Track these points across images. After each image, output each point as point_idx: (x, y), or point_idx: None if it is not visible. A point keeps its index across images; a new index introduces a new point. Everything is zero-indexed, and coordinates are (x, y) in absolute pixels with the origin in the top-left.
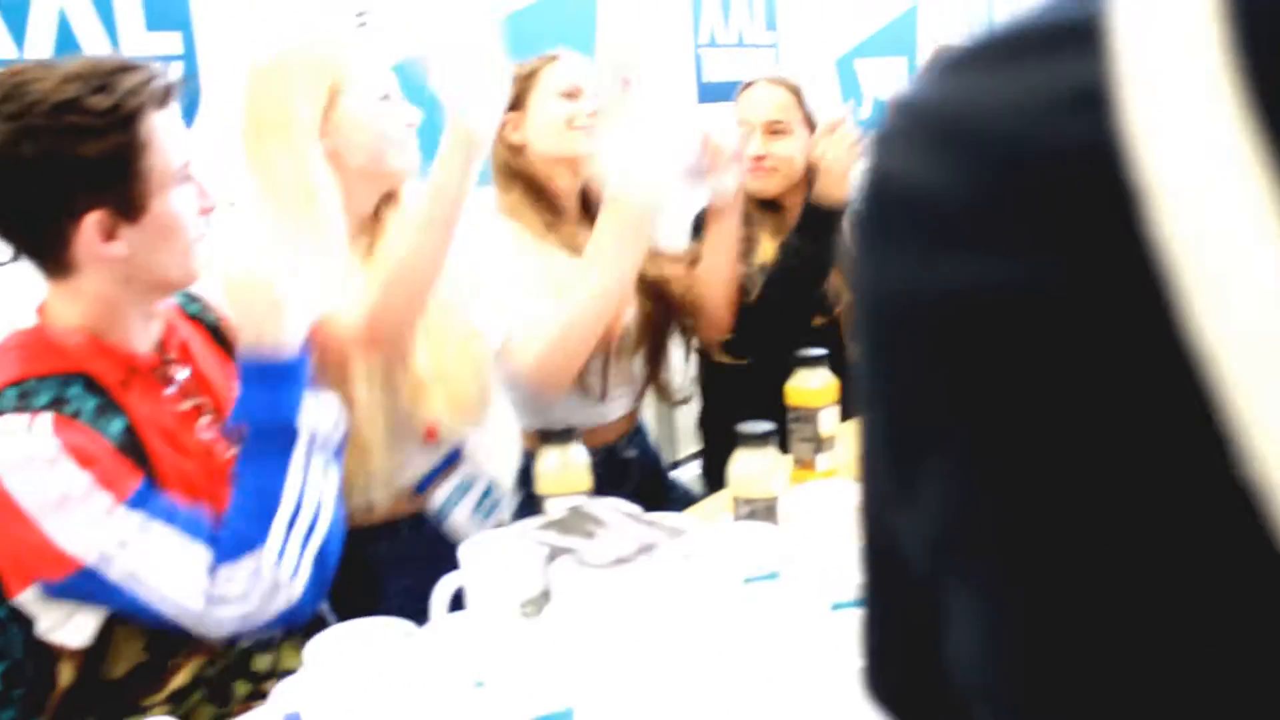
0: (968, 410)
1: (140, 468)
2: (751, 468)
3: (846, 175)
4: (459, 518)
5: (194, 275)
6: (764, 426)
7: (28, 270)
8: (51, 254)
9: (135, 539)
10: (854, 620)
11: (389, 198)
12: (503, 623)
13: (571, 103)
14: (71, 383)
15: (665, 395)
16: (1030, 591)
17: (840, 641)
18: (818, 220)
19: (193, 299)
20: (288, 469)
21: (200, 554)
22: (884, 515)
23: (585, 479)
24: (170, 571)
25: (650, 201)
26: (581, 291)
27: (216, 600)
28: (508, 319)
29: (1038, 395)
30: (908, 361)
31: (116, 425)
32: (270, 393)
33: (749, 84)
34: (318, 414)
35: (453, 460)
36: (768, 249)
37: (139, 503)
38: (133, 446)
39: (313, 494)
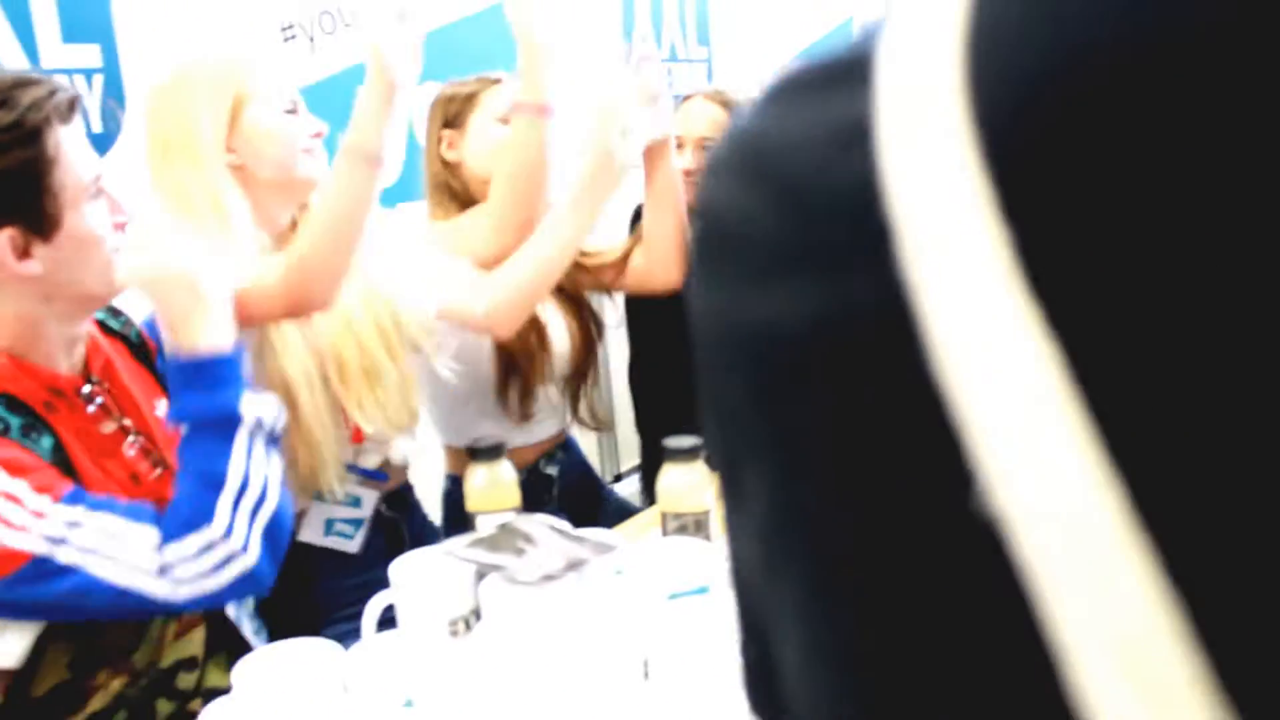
0: (778, 438)
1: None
2: (680, 482)
3: None
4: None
5: (115, 289)
6: (691, 441)
7: None
8: None
9: (80, 527)
10: None
11: (303, 209)
12: (432, 641)
13: (508, 128)
14: None
15: (591, 422)
16: (831, 611)
17: None
18: None
19: (115, 313)
20: (230, 451)
21: (147, 532)
22: (731, 531)
23: (514, 495)
24: (120, 549)
25: (625, 159)
26: (551, 238)
27: (170, 574)
28: (442, 287)
29: (826, 425)
30: (730, 385)
31: (46, 442)
32: (206, 392)
33: (687, 98)
34: (257, 404)
35: (379, 477)
36: None
37: (76, 498)
38: (63, 463)
39: (258, 472)
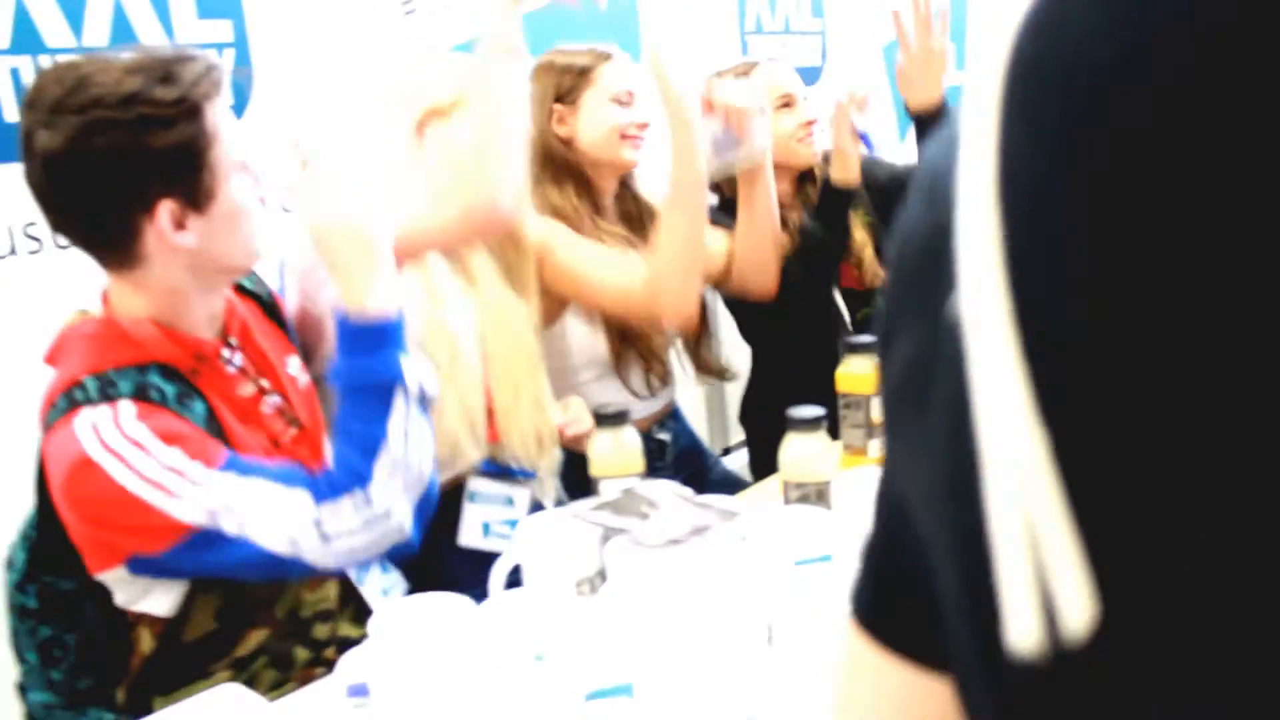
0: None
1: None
2: (803, 452)
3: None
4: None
5: (256, 259)
6: (815, 411)
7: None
8: (120, 246)
9: (237, 495)
10: None
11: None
12: (560, 599)
13: (623, 110)
14: (149, 371)
15: (716, 374)
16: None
17: None
18: (835, 202)
19: (248, 272)
20: (389, 416)
21: (301, 496)
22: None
23: (638, 461)
24: (276, 515)
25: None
26: (686, 217)
27: (327, 536)
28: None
29: None
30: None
31: (199, 408)
32: (370, 356)
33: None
34: (417, 369)
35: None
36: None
37: (231, 466)
38: (215, 429)
39: (413, 437)
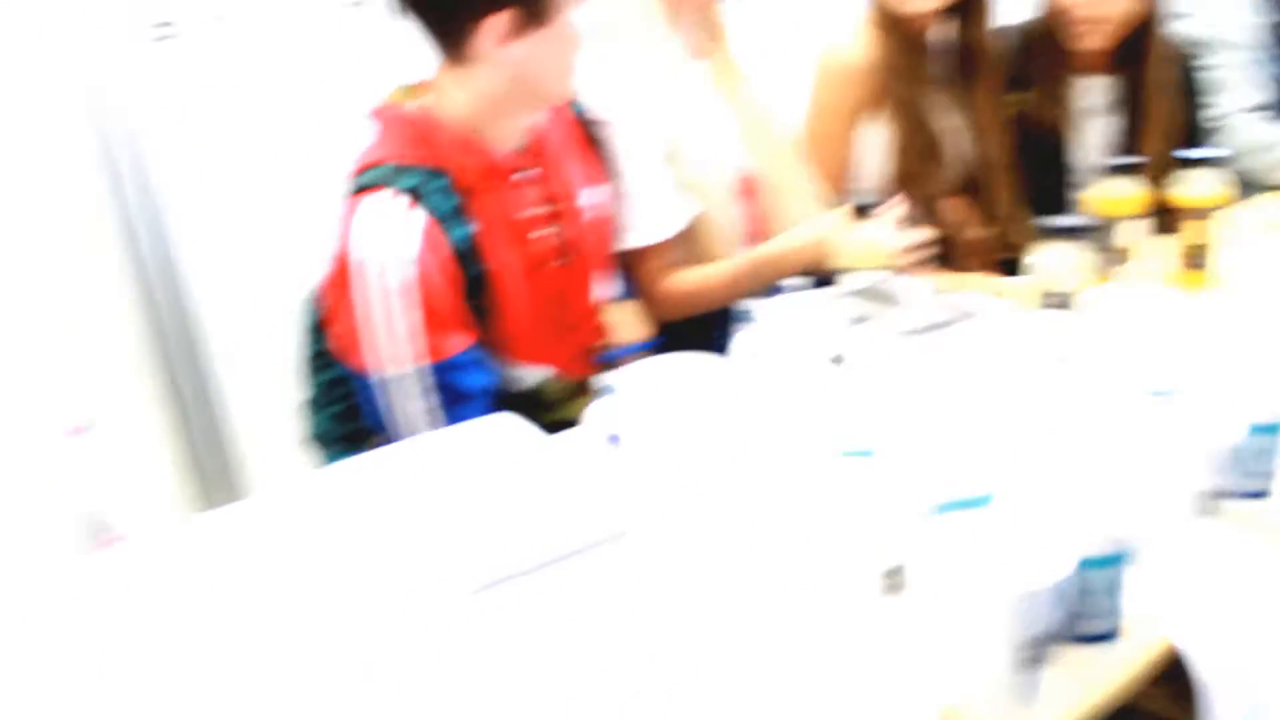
0: None
1: (469, 311)
2: (1057, 261)
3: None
4: None
5: (569, 95)
6: (1076, 220)
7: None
8: (456, 40)
9: (414, 395)
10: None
11: None
12: (807, 367)
13: None
14: (435, 178)
15: None
16: None
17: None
18: None
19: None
20: None
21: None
22: None
23: (887, 255)
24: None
25: None
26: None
27: None
28: None
29: None
30: None
31: (461, 231)
32: None
33: None
34: None
35: None
36: None
37: (437, 372)
38: (471, 252)
39: None
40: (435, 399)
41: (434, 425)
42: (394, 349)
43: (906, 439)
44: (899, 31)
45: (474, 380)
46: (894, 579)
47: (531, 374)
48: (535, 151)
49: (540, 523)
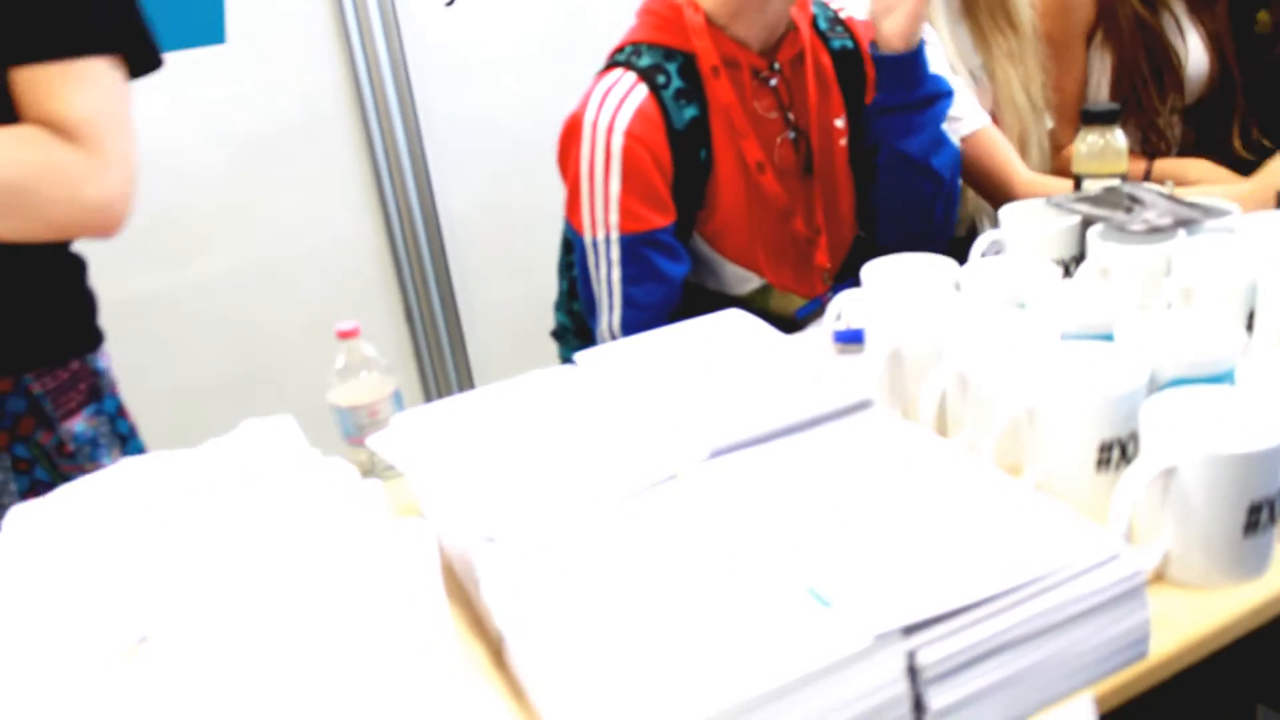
0: None
1: (684, 194)
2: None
3: None
4: None
5: None
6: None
7: None
8: None
9: (607, 261)
10: None
11: None
12: (1040, 266)
13: None
14: (674, 58)
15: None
16: None
17: None
18: None
19: (834, 21)
20: None
21: (612, 321)
22: None
23: (1123, 162)
24: (598, 316)
25: None
26: None
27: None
28: None
29: None
30: None
31: (689, 112)
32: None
33: None
34: None
35: None
36: None
37: (633, 243)
38: (694, 135)
39: None
40: (628, 270)
41: (625, 295)
42: (598, 212)
43: (1146, 321)
44: None
45: (666, 260)
46: (1109, 452)
47: (741, 276)
48: (787, 59)
49: (785, 392)
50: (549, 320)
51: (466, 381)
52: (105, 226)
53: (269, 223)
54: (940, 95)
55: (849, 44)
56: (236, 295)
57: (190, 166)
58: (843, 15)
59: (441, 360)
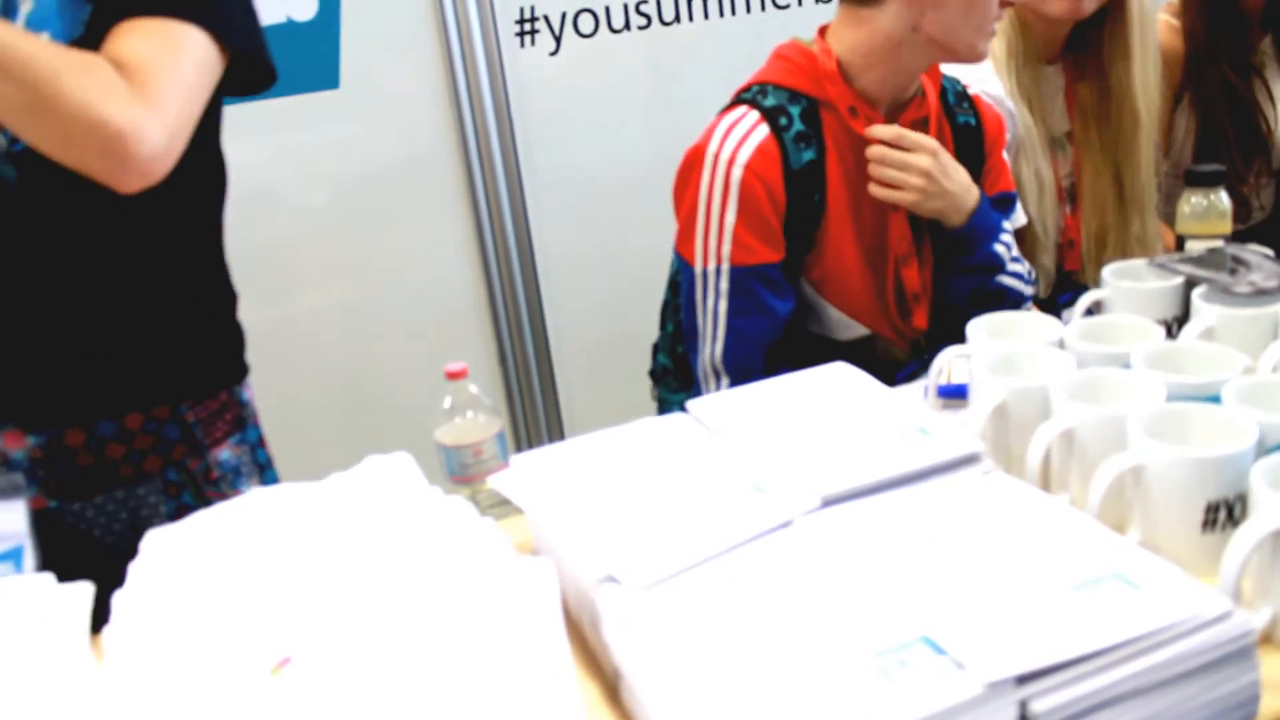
0: None
1: (796, 235)
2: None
3: None
4: None
5: (978, 56)
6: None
7: None
8: None
9: (714, 296)
10: None
11: None
12: (1144, 325)
13: None
14: (798, 101)
15: None
16: None
17: None
18: None
19: (962, 96)
20: None
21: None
22: None
23: (1227, 223)
24: (701, 343)
25: None
26: None
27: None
28: None
29: None
30: None
31: (806, 155)
32: None
33: None
34: None
35: None
36: None
37: (741, 277)
38: (812, 175)
39: None
40: (735, 302)
41: (729, 325)
42: (711, 243)
43: (1254, 382)
44: (1221, 10)
45: (772, 295)
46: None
47: (844, 324)
48: (908, 122)
49: (894, 444)
50: (637, 364)
51: (555, 422)
52: (118, 156)
53: (367, 263)
54: (996, 267)
55: (972, 120)
56: (339, 333)
57: (299, 205)
58: (970, 92)
59: (532, 402)
